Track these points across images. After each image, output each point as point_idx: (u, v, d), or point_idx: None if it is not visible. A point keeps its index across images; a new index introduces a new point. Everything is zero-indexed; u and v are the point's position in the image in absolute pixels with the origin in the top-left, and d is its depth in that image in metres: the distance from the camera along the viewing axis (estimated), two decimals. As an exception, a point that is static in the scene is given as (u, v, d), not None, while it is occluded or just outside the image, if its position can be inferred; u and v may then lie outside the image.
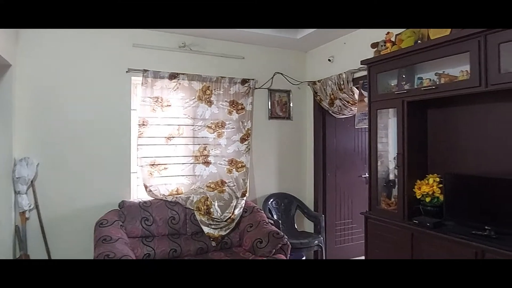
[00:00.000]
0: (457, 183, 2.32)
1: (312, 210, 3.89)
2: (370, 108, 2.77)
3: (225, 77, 3.57)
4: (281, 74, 3.94)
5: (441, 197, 2.38)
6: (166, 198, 3.23)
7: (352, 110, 3.63)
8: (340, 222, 3.98)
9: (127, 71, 3.23)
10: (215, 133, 3.55)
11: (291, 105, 4.00)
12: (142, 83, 3.27)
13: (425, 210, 2.44)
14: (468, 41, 2.05)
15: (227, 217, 3.27)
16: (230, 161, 3.60)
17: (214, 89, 3.54)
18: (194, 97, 3.48)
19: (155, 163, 3.33)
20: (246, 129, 3.66)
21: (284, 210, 3.77)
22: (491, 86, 1.96)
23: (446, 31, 2.21)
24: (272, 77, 3.89)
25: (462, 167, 2.37)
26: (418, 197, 2.46)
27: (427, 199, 2.43)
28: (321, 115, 3.92)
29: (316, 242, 3.42)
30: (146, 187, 3.25)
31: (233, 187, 3.54)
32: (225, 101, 3.59)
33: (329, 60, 3.68)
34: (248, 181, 3.62)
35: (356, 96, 3.44)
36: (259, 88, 3.81)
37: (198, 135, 3.49)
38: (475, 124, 2.33)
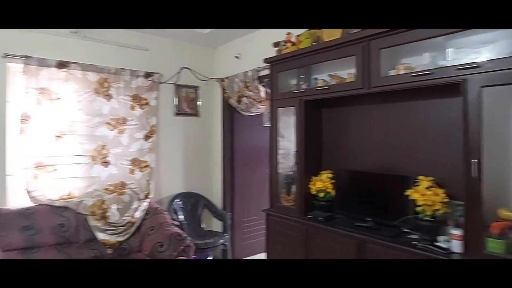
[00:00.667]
0: (345, 178, 2.48)
1: (220, 208, 3.85)
2: (271, 106, 2.82)
3: (125, 69, 3.30)
4: (189, 69, 3.81)
5: (333, 192, 2.52)
6: (53, 203, 2.86)
7: (259, 108, 3.67)
8: (248, 219, 4.01)
9: (3, 57, 2.77)
10: (116, 130, 3.27)
11: (199, 101, 3.90)
12: (23, 71, 2.84)
13: (319, 205, 2.56)
14: (354, 45, 2.18)
15: (127, 221, 3.04)
16: (132, 160, 3.35)
17: (113, 82, 3.24)
18: (89, 90, 3.15)
19: (42, 164, 2.92)
20: (150, 125, 3.45)
21: (191, 210, 3.66)
22: (372, 88, 2.11)
23: (338, 34, 2.33)
24: (179, 72, 3.73)
25: (351, 163, 2.54)
26: (313, 192, 2.57)
27: (321, 195, 2.55)
28: (230, 113, 3.90)
29: (222, 241, 3.39)
30: (28, 191, 2.83)
31: (136, 189, 3.31)
32: (127, 95, 3.32)
33: (236, 57, 3.67)
34: (152, 182, 3.42)
35: (262, 94, 3.49)
36: (164, 82, 3.62)
37: (95, 133, 3.17)
38: (361, 124, 2.51)
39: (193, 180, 3.85)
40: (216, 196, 3.95)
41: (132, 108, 3.35)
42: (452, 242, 1.79)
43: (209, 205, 3.75)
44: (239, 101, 3.64)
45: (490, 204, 1.66)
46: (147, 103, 3.44)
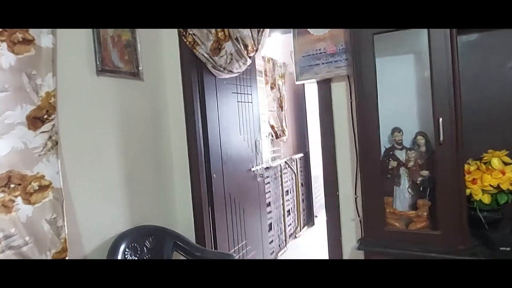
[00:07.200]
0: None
1: (194, 242, 2.17)
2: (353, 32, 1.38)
3: None
4: (115, -18, 1.91)
5: (516, 193, 1.31)
6: None
7: (245, 64, 2.18)
8: (236, 249, 2.45)
9: None
10: None
11: (139, 50, 2.03)
12: None
13: (480, 217, 1.32)
14: None
15: None
16: (4, 178, 1.35)
17: None
18: None
19: None
20: (42, 94, 1.48)
21: (152, 258, 1.85)
22: None
23: None
24: (98, -17, 1.80)
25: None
26: (477, 197, 1.31)
27: (485, 199, 1.31)
28: (197, 72, 2.20)
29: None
30: None
31: (25, 248, 1.34)
32: (-30, 11, 1.28)
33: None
34: (65, 221, 1.50)
35: (262, 36, 2.01)
36: (67, 0, 1.66)
37: None
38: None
39: (146, 204, 1.99)
40: (183, 223, 2.22)
41: (-9, 48, 1.33)
42: None
43: (182, 243, 1.97)
44: (217, 50, 2.03)
45: None
46: (30, 41, 1.45)
